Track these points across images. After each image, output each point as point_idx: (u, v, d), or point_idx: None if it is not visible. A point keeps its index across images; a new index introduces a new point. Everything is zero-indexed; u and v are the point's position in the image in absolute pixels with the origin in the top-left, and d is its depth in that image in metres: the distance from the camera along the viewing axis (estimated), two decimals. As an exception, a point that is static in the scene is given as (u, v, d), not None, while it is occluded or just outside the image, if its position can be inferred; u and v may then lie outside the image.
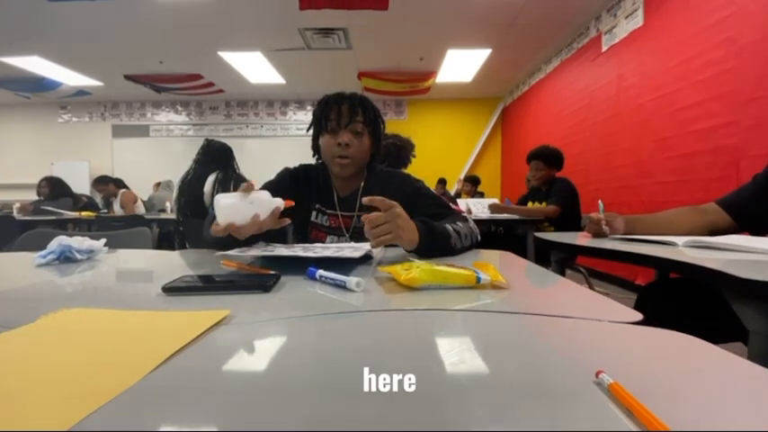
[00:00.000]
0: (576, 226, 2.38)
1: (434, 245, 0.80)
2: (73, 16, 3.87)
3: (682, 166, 2.82)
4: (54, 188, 3.83)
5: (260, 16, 3.94)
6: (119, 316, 0.43)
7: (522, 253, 2.07)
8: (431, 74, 5.64)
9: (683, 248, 0.87)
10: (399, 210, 0.75)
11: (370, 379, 0.27)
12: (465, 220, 0.94)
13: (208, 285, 0.54)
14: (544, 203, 2.51)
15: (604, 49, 3.83)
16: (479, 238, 0.94)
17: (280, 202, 0.78)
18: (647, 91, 3.19)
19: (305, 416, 0.24)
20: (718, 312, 0.89)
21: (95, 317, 0.43)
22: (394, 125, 6.51)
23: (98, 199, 4.28)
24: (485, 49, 4.86)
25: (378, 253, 0.86)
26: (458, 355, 0.34)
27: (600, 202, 1.14)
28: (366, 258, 0.78)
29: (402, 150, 1.98)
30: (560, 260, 2.45)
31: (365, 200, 0.75)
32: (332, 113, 1.02)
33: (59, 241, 0.81)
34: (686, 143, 2.77)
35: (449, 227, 0.84)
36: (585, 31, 4.20)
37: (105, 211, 4.00)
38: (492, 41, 4.63)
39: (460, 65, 5.32)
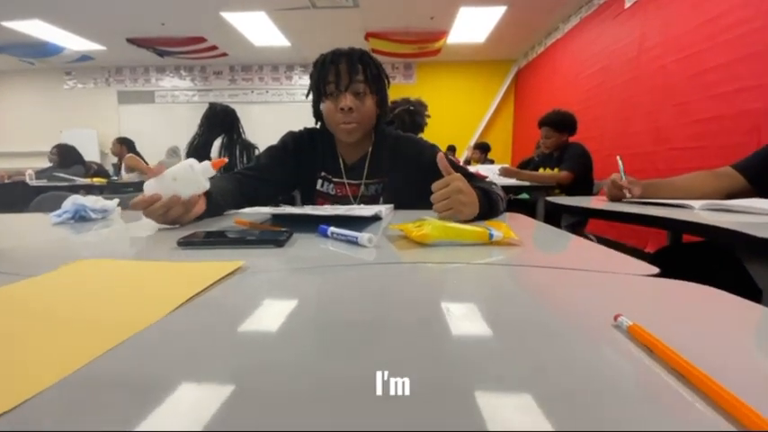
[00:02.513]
0: (588, 192, 2.34)
1: (490, 214, 0.77)
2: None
3: (701, 132, 2.72)
4: (65, 156, 3.88)
5: (263, -27, 3.76)
6: (135, 266, 0.44)
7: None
8: (442, 34, 5.40)
9: (699, 211, 0.85)
10: (461, 184, 0.70)
11: (384, 327, 0.27)
12: (495, 184, 0.90)
13: (222, 240, 0.54)
14: (556, 169, 2.46)
15: (627, 5, 3.60)
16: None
17: (204, 186, 0.73)
18: (670, 51, 3.02)
19: (315, 363, 0.24)
20: (730, 275, 0.89)
21: (112, 266, 0.43)
22: (402, 89, 6.34)
23: (114, 160, 4.32)
24: (499, 7, 4.61)
25: (388, 212, 0.85)
26: (472, 304, 0.34)
27: (618, 158, 1.10)
28: (377, 218, 0.77)
29: (416, 115, 1.92)
30: (570, 225, 2.44)
31: (439, 161, 0.72)
32: (330, 75, 0.94)
33: (73, 200, 0.82)
34: (708, 107, 2.66)
35: (493, 192, 0.81)
36: (608, -14, 3.95)
37: (117, 175, 4.04)
38: (507, -2, 4.39)
39: (473, 24, 5.08)
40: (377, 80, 0.98)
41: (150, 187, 0.68)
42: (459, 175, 0.72)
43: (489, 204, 0.76)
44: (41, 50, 5.66)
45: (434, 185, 0.70)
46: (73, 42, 5.54)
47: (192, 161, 0.71)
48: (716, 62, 2.58)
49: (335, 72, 0.93)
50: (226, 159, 0.76)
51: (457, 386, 0.20)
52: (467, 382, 0.20)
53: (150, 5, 4.47)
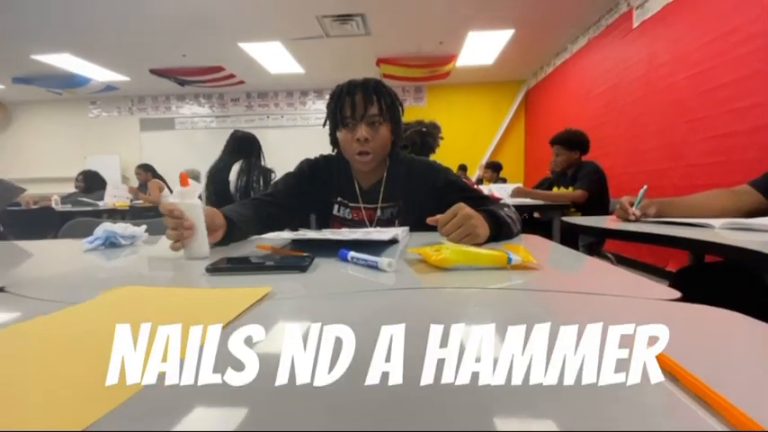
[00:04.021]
0: (603, 211, 2.32)
1: (500, 236, 0.79)
2: (100, 12, 3.99)
3: (716, 148, 2.69)
4: (90, 181, 4.07)
5: (278, 5, 3.95)
6: (171, 292, 0.46)
7: (548, 239, 2.04)
8: (451, 57, 5.53)
9: (719, 230, 0.84)
10: (468, 210, 0.72)
11: (410, 350, 0.28)
12: (508, 206, 0.91)
13: (247, 266, 0.57)
14: (570, 188, 2.45)
15: (635, 25, 3.65)
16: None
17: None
18: (680, 69, 3.03)
19: (347, 382, 0.26)
20: (755, 296, 0.87)
21: (149, 293, 0.46)
22: (413, 112, 6.44)
23: (136, 184, 4.47)
24: (507, 30, 4.71)
25: (404, 235, 0.87)
26: (493, 330, 0.34)
27: (642, 189, 1.10)
28: (393, 241, 0.79)
29: (427, 137, 1.96)
30: (588, 245, 2.40)
31: (429, 220, 0.73)
32: (346, 106, 0.97)
33: (104, 228, 0.86)
34: (722, 123, 2.64)
35: (501, 214, 0.83)
36: (615, 7, 4.01)
37: (138, 199, 4.18)
38: (515, 21, 4.48)
39: (482, 47, 5.19)
40: (391, 109, 1.01)
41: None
42: (462, 203, 0.73)
43: (498, 225, 0.78)
44: (70, 82, 5.98)
45: (441, 218, 0.71)
46: (99, 74, 5.84)
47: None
48: (727, 78, 2.58)
49: (351, 103, 0.97)
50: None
51: (481, 412, 0.21)
52: (490, 409, 0.21)
53: (172, 38, 4.71)
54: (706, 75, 2.77)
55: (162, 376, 0.25)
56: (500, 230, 0.79)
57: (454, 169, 1.18)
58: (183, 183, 0.69)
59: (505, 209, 0.87)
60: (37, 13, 3.96)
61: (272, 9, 4.04)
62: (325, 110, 1.06)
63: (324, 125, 1.08)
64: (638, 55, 3.59)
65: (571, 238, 2.35)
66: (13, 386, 0.24)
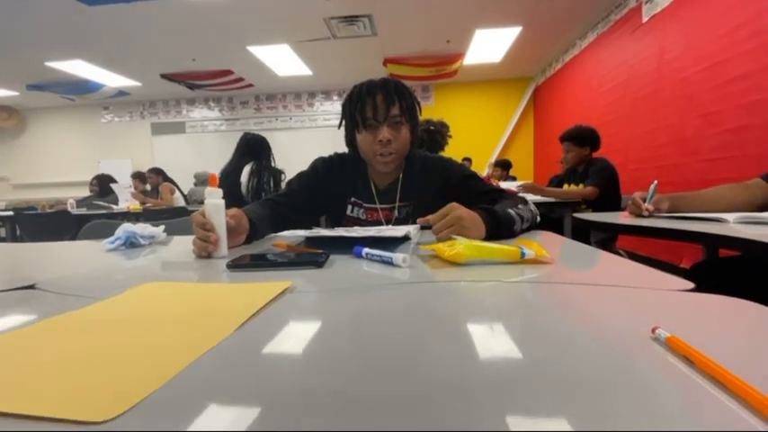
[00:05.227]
0: (615, 208, 2.29)
1: (500, 233, 0.77)
2: (112, 19, 4.07)
3: (730, 142, 2.65)
4: (104, 185, 4.15)
5: (286, 8, 3.98)
6: (195, 287, 0.47)
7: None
8: (458, 56, 5.51)
9: (734, 224, 0.83)
10: (460, 211, 0.72)
11: (426, 343, 0.29)
12: (524, 201, 0.90)
13: (267, 262, 0.58)
14: (581, 185, 2.43)
15: (645, 19, 3.60)
16: (539, 219, 0.91)
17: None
18: (691, 63, 2.99)
19: (364, 372, 0.27)
20: (772, 290, 0.86)
21: (174, 288, 0.48)
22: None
23: (148, 188, 4.54)
24: (515, 27, 4.69)
25: (416, 233, 0.87)
26: (509, 321, 0.35)
27: (653, 183, 1.10)
28: (406, 238, 0.80)
29: (435, 135, 1.97)
30: (600, 242, 2.38)
31: (420, 221, 0.74)
32: (367, 107, 0.95)
33: (125, 228, 0.88)
34: (735, 117, 2.59)
35: (511, 212, 0.81)
36: (624, 2, 3.96)
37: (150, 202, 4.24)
38: (522, 18, 4.46)
39: (489, 45, 5.16)
40: (411, 109, 1.00)
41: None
42: (455, 204, 0.73)
43: (496, 223, 0.76)
44: (83, 88, 6.10)
45: (432, 218, 0.72)
46: (111, 80, 5.95)
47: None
48: (740, 71, 2.53)
49: (373, 104, 0.95)
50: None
51: (498, 401, 0.22)
52: (508, 398, 0.22)
53: (182, 43, 4.79)
54: (718, 68, 2.72)
55: (185, 371, 0.27)
56: (499, 229, 0.77)
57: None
58: (213, 183, 0.74)
59: (520, 205, 0.86)
60: (50, 20, 4.06)
61: (280, 12, 4.08)
62: (333, 110, 1.07)
63: (339, 126, 1.07)
64: (649, 50, 3.55)
65: (583, 235, 2.34)
66: (48, 376, 0.26)
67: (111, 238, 0.87)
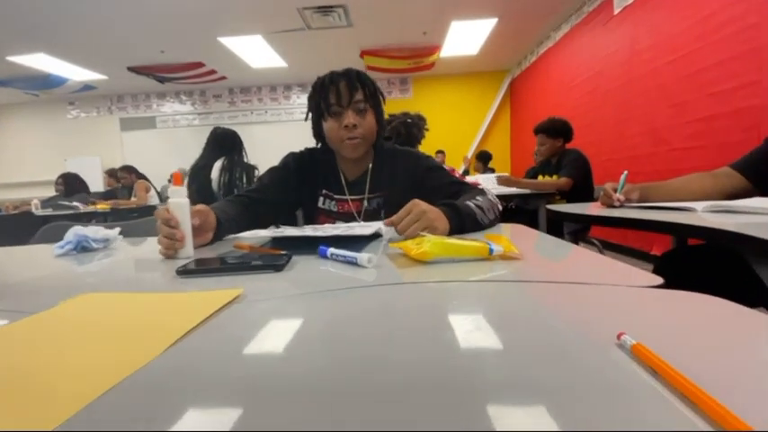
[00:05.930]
0: (588, 198, 2.33)
1: (464, 226, 0.78)
2: (74, 9, 3.85)
3: (699, 131, 2.72)
4: (70, 185, 3.95)
5: (258, -2, 3.86)
6: (134, 298, 0.43)
7: (534, 227, 2.04)
8: (435, 48, 5.49)
9: (702, 214, 0.84)
10: (423, 206, 0.72)
11: (384, 351, 0.26)
12: (483, 193, 0.91)
13: (220, 267, 0.54)
14: (555, 176, 2.46)
15: (616, 11, 3.66)
16: (500, 207, 0.92)
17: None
18: (662, 54, 3.05)
19: (317, 388, 0.24)
20: (738, 278, 0.87)
21: (112, 300, 0.43)
22: (399, 103, 6.40)
23: (120, 187, 4.37)
24: (491, 19, 4.69)
25: (388, 230, 0.85)
26: (473, 323, 0.33)
27: (624, 174, 1.11)
28: (376, 236, 0.77)
29: (412, 128, 1.94)
30: (573, 232, 2.42)
31: (385, 222, 0.72)
32: (331, 95, 0.98)
33: (75, 231, 0.82)
34: (705, 106, 2.67)
35: (470, 204, 0.82)
36: (596, -6, 4.02)
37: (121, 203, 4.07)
38: (498, 10, 4.46)
39: (466, 37, 5.16)
40: (374, 97, 1.02)
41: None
42: (416, 200, 0.72)
43: (459, 217, 0.77)
44: (46, 82, 5.79)
45: (396, 218, 0.70)
46: (76, 73, 5.67)
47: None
48: (710, 61, 2.60)
49: (336, 91, 0.97)
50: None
51: (460, 405, 0.19)
52: (469, 403, 0.20)
53: (149, 34, 4.58)
54: (688, 58, 2.79)
55: (111, 391, 0.23)
56: (463, 222, 0.77)
57: (432, 155, 1.18)
58: (177, 182, 0.71)
59: (478, 197, 0.87)
60: (8, 12, 3.81)
61: (252, 1, 3.95)
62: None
63: (306, 119, 1.07)
64: (620, 41, 3.61)
65: (557, 225, 2.37)
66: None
67: (61, 243, 0.81)
